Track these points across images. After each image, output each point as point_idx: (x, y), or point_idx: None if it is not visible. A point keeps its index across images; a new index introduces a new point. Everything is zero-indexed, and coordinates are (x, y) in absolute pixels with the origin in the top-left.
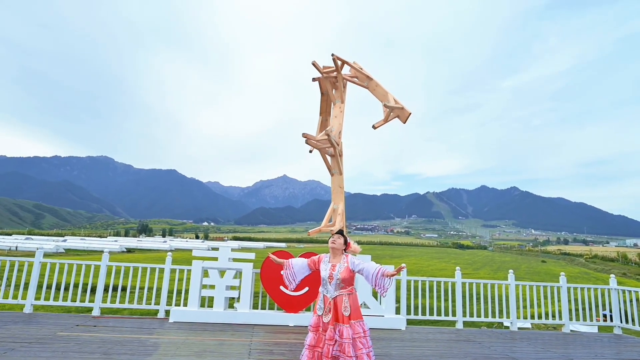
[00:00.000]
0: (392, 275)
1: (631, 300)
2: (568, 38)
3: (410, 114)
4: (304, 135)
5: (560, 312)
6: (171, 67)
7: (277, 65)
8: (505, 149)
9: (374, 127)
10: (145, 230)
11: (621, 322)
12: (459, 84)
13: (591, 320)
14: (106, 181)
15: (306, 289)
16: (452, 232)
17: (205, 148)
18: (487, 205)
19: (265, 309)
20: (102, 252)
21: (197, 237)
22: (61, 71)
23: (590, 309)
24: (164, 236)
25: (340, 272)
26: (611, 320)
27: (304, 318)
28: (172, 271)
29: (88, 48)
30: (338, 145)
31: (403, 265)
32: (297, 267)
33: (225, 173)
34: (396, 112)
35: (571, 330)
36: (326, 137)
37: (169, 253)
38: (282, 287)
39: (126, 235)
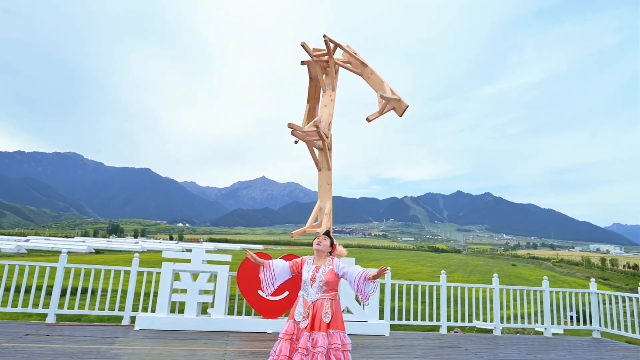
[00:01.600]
0: (375, 277)
1: (611, 303)
2: (542, 50)
3: (407, 106)
4: (290, 125)
5: (542, 315)
6: (149, 64)
7: (258, 66)
8: (480, 156)
9: (368, 120)
10: (115, 231)
11: (600, 325)
12: (439, 91)
13: (559, 323)
14: (74, 179)
15: (286, 293)
16: (428, 236)
17: (182, 147)
18: (462, 210)
19: (241, 314)
20: (68, 253)
21: (171, 239)
22: (26, 61)
23: (558, 311)
24: (135, 237)
25: (325, 274)
26: (577, 322)
27: (282, 324)
28: (140, 274)
29: (58, 39)
30: (327, 137)
31: (386, 267)
32: (277, 269)
33: (202, 173)
34: (392, 104)
35: (552, 334)
36: (314, 128)
37: (136, 254)
38: (260, 292)
39: (95, 235)
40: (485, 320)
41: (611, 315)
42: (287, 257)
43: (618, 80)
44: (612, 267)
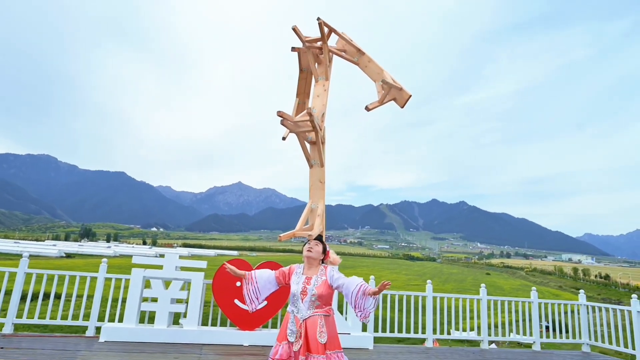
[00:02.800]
0: (374, 293)
1: (601, 313)
2: (516, 63)
3: (410, 96)
4: (279, 113)
5: (531, 329)
6: (126, 66)
7: (236, 70)
8: (456, 165)
9: (367, 109)
10: (88, 235)
11: (590, 339)
12: (416, 100)
13: (524, 333)
14: (47, 181)
15: (264, 302)
16: (403, 244)
17: (157, 151)
18: (437, 219)
19: (216, 325)
20: (37, 256)
21: (144, 243)
22: None
23: (517, 320)
24: (108, 241)
25: (317, 286)
26: (554, 332)
27: (261, 336)
28: (108, 280)
29: (33, 39)
30: (321, 129)
31: (388, 282)
32: (262, 281)
33: (177, 177)
34: (393, 94)
35: (543, 346)
36: (307, 117)
37: (104, 260)
38: (237, 301)
39: (67, 239)
40: (472, 329)
41: (601, 327)
42: (269, 265)
43: (588, 93)
44: (584, 277)
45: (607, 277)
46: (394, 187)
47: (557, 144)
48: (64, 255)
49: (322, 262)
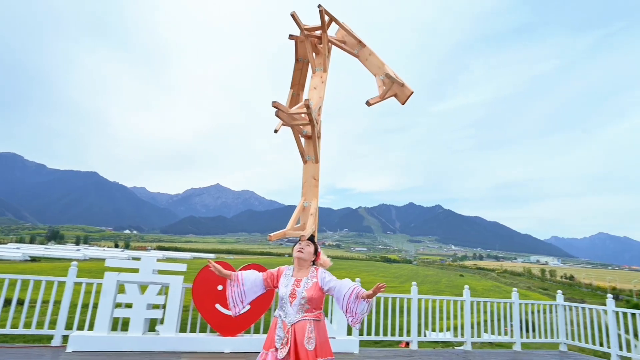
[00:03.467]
0: (369, 296)
1: (577, 315)
2: (489, 73)
3: (412, 93)
4: (275, 104)
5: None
6: (104, 64)
7: (215, 72)
8: (432, 170)
9: (369, 104)
10: (55, 237)
11: (567, 338)
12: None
13: (499, 333)
14: (12, 181)
15: (247, 307)
16: (380, 246)
17: (132, 151)
18: (414, 222)
19: (195, 331)
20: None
21: (116, 246)
22: None
23: (498, 320)
24: (77, 244)
25: (307, 288)
26: (521, 331)
27: (243, 342)
28: (78, 285)
29: (1, 32)
30: (317, 123)
31: (383, 284)
32: (248, 283)
33: (153, 179)
34: (394, 90)
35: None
36: (304, 109)
37: (74, 263)
38: (218, 305)
39: (32, 242)
40: (449, 330)
41: (578, 326)
42: (253, 267)
43: (555, 103)
44: (550, 278)
45: (571, 277)
46: (372, 190)
47: (526, 151)
48: (29, 258)
49: (313, 264)
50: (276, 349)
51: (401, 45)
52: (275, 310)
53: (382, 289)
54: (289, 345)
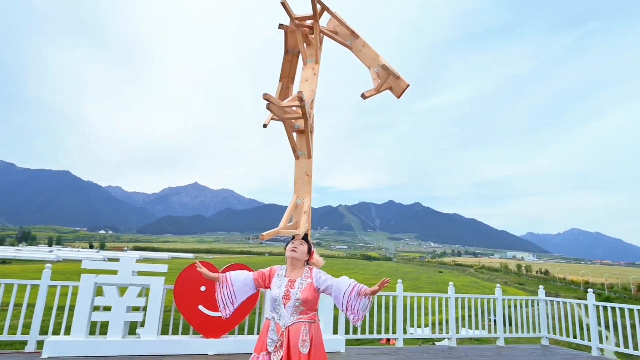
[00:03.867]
0: (373, 292)
1: (559, 310)
2: (470, 72)
3: (407, 86)
4: (266, 96)
5: (495, 324)
6: (83, 64)
7: (194, 70)
8: (412, 167)
9: (364, 97)
10: (26, 238)
11: (548, 332)
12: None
13: (481, 327)
14: None
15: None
16: (360, 244)
17: (108, 150)
18: (394, 219)
19: (177, 334)
20: None
21: (91, 247)
22: None
23: (476, 315)
24: (50, 245)
25: (302, 289)
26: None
27: (227, 344)
28: (52, 289)
29: None
30: (310, 117)
31: (387, 279)
32: (238, 283)
33: (129, 178)
34: (390, 82)
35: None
36: (297, 102)
37: (48, 265)
38: (201, 307)
39: (1, 243)
40: (427, 326)
41: (559, 321)
42: (238, 267)
43: (533, 102)
44: (526, 273)
45: (546, 272)
46: (353, 188)
47: (504, 150)
48: None
49: (307, 264)
50: (268, 352)
51: (382, 43)
52: (267, 311)
53: (386, 284)
54: (283, 349)
